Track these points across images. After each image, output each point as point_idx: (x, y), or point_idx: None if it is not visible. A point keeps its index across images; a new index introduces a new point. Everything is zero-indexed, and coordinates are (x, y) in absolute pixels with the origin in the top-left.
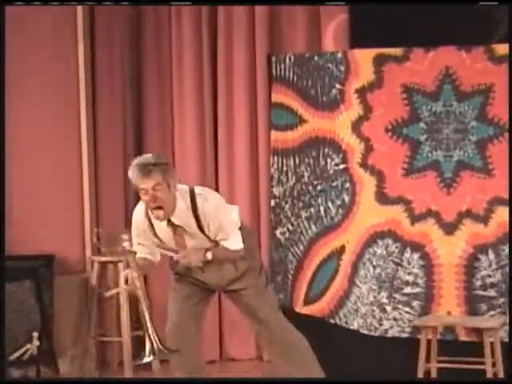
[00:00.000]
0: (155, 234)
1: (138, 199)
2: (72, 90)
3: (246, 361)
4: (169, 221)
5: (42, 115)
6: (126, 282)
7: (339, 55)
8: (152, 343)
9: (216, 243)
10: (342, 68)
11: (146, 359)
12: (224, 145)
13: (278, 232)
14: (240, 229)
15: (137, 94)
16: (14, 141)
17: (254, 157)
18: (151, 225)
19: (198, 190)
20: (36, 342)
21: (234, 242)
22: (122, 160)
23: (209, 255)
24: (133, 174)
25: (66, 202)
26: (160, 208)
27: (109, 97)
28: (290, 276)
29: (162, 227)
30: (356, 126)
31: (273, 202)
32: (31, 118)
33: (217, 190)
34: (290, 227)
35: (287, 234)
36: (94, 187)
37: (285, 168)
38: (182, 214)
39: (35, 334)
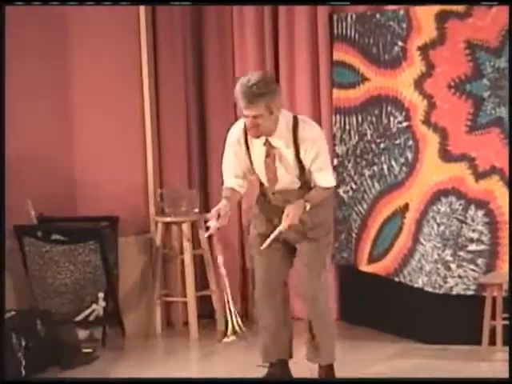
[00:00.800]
0: (249, 154)
1: (202, 159)
2: (134, 53)
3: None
4: (266, 140)
5: (106, 77)
6: (218, 217)
7: (401, 12)
8: (233, 324)
9: (303, 176)
10: (404, 25)
11: (228, 339)
12: (286, 104)
13: (341, 191)
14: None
15: (198, 51)
16: (79, 104)
17: (317, 116)
18: (246, 142)
19: (301, 117)
20: (102, 303)
21: (328, 177)
22: (185, 120)
23: (308, 205)
24: (237, 96)
25: (129, 163)
26: (259, 131)
27: (171, 57)
28: (353, 235)
29: (257, 147)
30: (418, 84)
31: (336, 161)
32: (95, 81)
33: None
34: (354, 186)
35: (350, 193)
36: (157, 148)
37: (347, 126)
38: (281, 136)
39: (101, 295)
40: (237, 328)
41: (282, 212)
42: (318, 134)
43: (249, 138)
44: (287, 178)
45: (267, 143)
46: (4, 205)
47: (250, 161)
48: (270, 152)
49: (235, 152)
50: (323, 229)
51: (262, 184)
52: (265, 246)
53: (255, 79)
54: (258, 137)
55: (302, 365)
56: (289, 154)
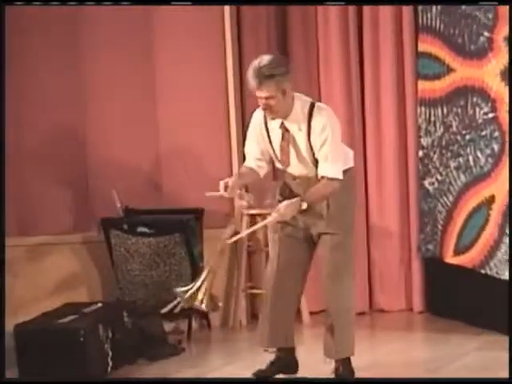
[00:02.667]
0: (268, 138)
1: None
2: (218, 50)
3: (395, 312)
4: (282, 124)
5: (189, 74)
6: (225, 188)
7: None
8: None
9: (314, 165)
10: (491, 15)
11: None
12: (371, 95)
13: (426, 182)
14: (347, 170)
15: (282, 45)
16: (164, 98)
17: (402, 107)
18: (266, 126)
19: (319, 103)
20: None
21: (332, 168)
22: None
23: (304, 205)
24: (248, 78)
25: (215, 156)
26: (273, 112)
27: (254, 47)
28: (439, 226)
29: (275, 129)
30: (505, 74)
31: (421, 153)
32: (180, 77)
33: (364, 140)
34: (439, 177)
35: (436, 185)
36: (241, 140)
37: (432, 118)
38: (296, 119)
39: None
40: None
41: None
42: (332, 122)
43: (268, 121)
44: (300, 162)
45: (282, 126)
46: (4, 204)
47: (270, 144)
48: (285, 135)
49: (256, 134)
50: (344, 225)
51: (285, 170)
52: (230, 241)
53: (266, 61)
54: (273, 118)
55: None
56: (301, 137)
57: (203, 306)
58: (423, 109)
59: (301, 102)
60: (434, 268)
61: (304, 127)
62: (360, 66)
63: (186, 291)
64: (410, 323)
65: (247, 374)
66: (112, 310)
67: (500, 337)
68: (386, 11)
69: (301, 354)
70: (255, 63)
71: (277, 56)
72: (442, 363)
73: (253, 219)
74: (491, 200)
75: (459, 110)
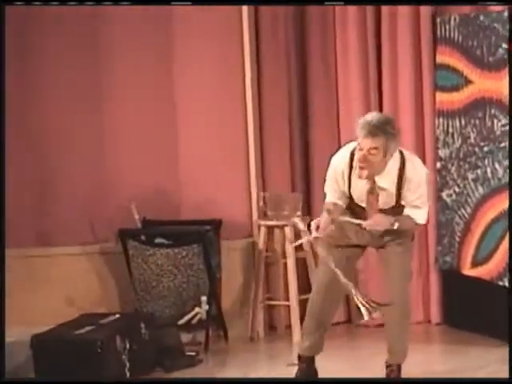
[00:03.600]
0: (349, 186)
1: (305, 162)
2: (236, 51)
3: (413, 324)
4: (371, 178)
5: (208, 82)
6: (317, 228)
7: (505, 14)
8: (364, 305)
9: (400, 208)
10: (509, 27)
11: (365, 318)
12: (389, 107)
13: (444, 194)
14: None
15: (300, 54)
16: (181, 107)
17: (420, 119)
18: (349, 176)
19: (409, 156)
20: (205, 306)
21: (422, 216)
22: (288, 122)
23: (396, 225)
24: (358, 127)
25: (232, 167)
26: (365, 169)
27: (273, 56)
28: (457, 238)
29: (360, 182)
30: None
31: (439, 164)
32: (198, 86)
33: None
34: (457, 189)
35: (454, 196)
36: (259, 151)
37: (450, 130)
38: (388, 177)
39: (204, 298)
40: (370, 308)
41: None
42: (424, 175)
43: (352, 171)
44: (386, 204)
45: (371, 181)
46: (4, 205)
47: (349, 192)
48: (374, 190)
49: (336, 180)
50: (407, 235)
51: (352, 199)
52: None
53: (378, 115)
54: (366, 178)
55: None
56: (391, 190)
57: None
58: (441, 120)
59: (393, 159)
60: (452, 280)
61: (395, 181)
62: (378, 77)
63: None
64: (428, 335)
65: None
66: (129, 321)
67: None
68: (404, 22)
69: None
70: (371, 116)
71: (393, 118)
72: (462, 375)
73: (270, 231)
74: (510, 212)
75: (477, 122)
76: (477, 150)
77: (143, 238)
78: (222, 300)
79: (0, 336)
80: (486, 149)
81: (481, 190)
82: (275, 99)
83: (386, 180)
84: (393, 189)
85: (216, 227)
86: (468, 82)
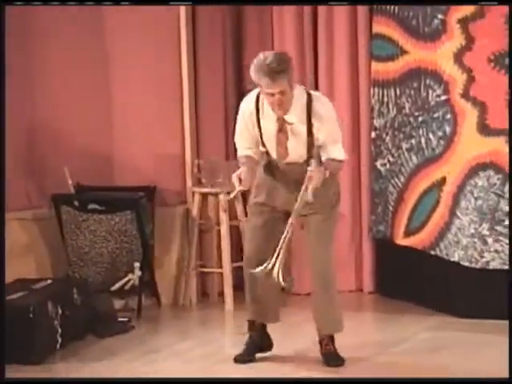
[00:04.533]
0: (259, 129)
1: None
2: (173, 30)
3: (345, 292)
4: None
5: (144, 50)
6: (240, 182)
7: None
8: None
9: (311, 150)
10: (509, 27)
11: (258, 270)
12: (324, 76)
13: (378, 163)
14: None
15: (237, 37)
16: (117, 75)
17: (355, 88)
18: (258, 117)
19: (315, 93)
20: (138, 273)
21: (340, 151)
22: (223, 90)
23: (327, 172)
24: (258, 76)
25: (167, 134)
26: (281, 109)
27: (209, 29)
28: (390, 208)
29: (269, 121)
30: (458, 57)
31: (373, 134)
32: (133, 52)
33: None
34: (391, 159)
35: (388, 166)
36: (194, 119)
37: (385, 99)
38: (296, 112)
39: (137, 265)
40: (274, 273)
41: (287, 184)
42: (332, 110)
43: (260, 112)
44: (297, 152)
45: (281, 118)
46: (4, 202)
47: (260, 134)
48: (283, 127)
49: (246, 125)
50: (329, 201)
51: (268, 154)
52: (293, 218)
53: (273, 57)
54: (285, 113)
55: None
56: (302, 128)
57: (281, 283)
58: (376, 90)
59: (298, 93)
60: (385, 249)
61: (304, 118)
62: (314, 46)
63: (265, 268)
64: (360, 304)
65: (196, 351)
66: (62, 286)
67: (450, 318)
68: None
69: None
70: (262, 61)
71: (279, 52)
72: (393, 343)
73: (204, 198)
74: (442, 182)
75: (412, 92)
76: (411, 119)
77: (76, 203)
78: (154, 267)
79: (0, 335)
80: (420, 119)
81: (414, 159)
82: (211, 69)
83: (295, 115)
84: (303, 128)
85: (150, 194)
86: (403, 51)
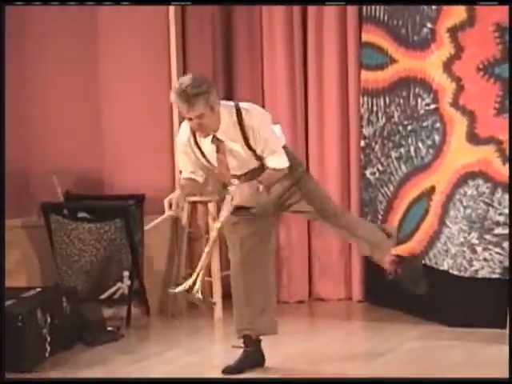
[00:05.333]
0: (200, 150)
1: None
2: (163, 46)
3: (335, 301)
4: (214, 136)
5: (132, 62)
6: (170, 207)
7: None
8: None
9: (257, 160)
10: (434, 7)
11: (179, 289)
12: (314, 85)
13: (367, 172)
14: (284, 147)
15: (226, 40)
16: (106, 90)
17: (344, 97)
18: (196, 141)
19: (243, 104)
20: (127, 281)
21: (281, 160)
22: None
23: (261, 187)
24: (176, 101)
25: (156, 142)
26: (203, 132)
27: (199, 42)
28: (379, 216)
29: (207, 145)
30: (447, 66)
31: (363, 143)
32: (121, 65)
33: (306, 129)
34: (380, 167)
35: (377, 175)
36: None
37: (375, 108)
38: (228, 130)
39: (126, 274)
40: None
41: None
42: (263, 119)
43: (198, 138)
44: (242, 165)
45: (215, 139)
46: (4, 203)
47: (204, 156)
48: (220, 147)
49: (185, 149)
50: (294, 170)
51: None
52: (149, 227)
53: (187, 81)
54: (207, 136)
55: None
56: (236, 146)
57: (199, 297)
58: (366, 99)
59: (227, 111)
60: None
61: (238, 135)
62: (304, 55)
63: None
64: (349, 312)
65: (186, 360)
66: (51, 294)
67: (438, 327)
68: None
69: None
70: (177, 86)
71: (196, 74)
72: (381, 352)
73: (194, 207)
74: (431, 191)
75: (401, 101)
76: (400, 128)
77: (66, 212)
78: (144, 275)
79: (0, 334)
80: (409, 128)
81: (404, 168)
82: None
83: (227, 133)
84: (237, 146)
85: (139, 202)
86: (393, 60)
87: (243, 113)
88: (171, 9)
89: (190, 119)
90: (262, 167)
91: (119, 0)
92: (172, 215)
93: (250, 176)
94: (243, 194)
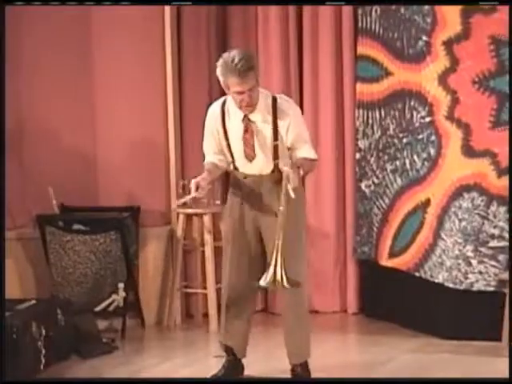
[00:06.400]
0: (225, 131)
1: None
2: (158, 45)
3: (330, 313)
4: (245, 116)
5: (127, 73)
6: (197, 189)
7: (426, 7)
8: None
9: (277, 157)
10: (429, 20)
11: (262, 283)
12: (309, 97)
13: (363, 185)
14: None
15: (222, 45)
16: (101, 96)
17: (340, 109)
18: (223, 121)
19: (280, 95)
20: (122, 293)
21: (312, 151)
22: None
23: (300, 170)
24: (226, 76)
25: (151, 154)
26: (249, 106)
27: (194, 41)
28: (374, 229)
29: (234, 124)
30: (442, 79)
31: (358, 155)
32: (116, 76)
33: None
34: (376, 180)
35: (372, 187)
36: (179, 139)
37: (370, 121)
38: (261, 112)
39: (121, 286)
40: (278, 278)
41: (255, 197)
42: (298, 110)
43: (226, 116)
44: (263, 155)
45: (246, 118)
46: (4, 204)
47: (227, 140)
48: (249, 127)
49: (212, 131)
50: (295, 219)
51: (236, 168)
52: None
53: (240, 55)
54: (253, 111)
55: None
56: (267, 128)
57: (286, 285)
58: (361, 111)
59: (263, 94)
60: (369, 270)
61: (270, 118)
62: (299, 68)
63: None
64: (344, 325)
65: (182, 372)
66: (46, 307)
67: (433, 340)
68: (326, 13)
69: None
70: (228, 60)
71: (244, 50)
72: (377, 365)
73: (189, 219)
74: (427, 204)
75: (396, 114)
76: (396, 141)
77: (61, 224)
78: (139, 287)
79: (0, 334)
80: (404, 140)
81: (399, 181)
82: (196, 92)
83: (260, 114)
84: (267, 128)
85: (134, 214)
86: (388, 73)
87: (278, 99)
88: (167, 8)
89: (241, 93)
90: (273, 174)
91: (120, 0)
92: (197, 196)
93: (257, 182)
94: (297, 178)
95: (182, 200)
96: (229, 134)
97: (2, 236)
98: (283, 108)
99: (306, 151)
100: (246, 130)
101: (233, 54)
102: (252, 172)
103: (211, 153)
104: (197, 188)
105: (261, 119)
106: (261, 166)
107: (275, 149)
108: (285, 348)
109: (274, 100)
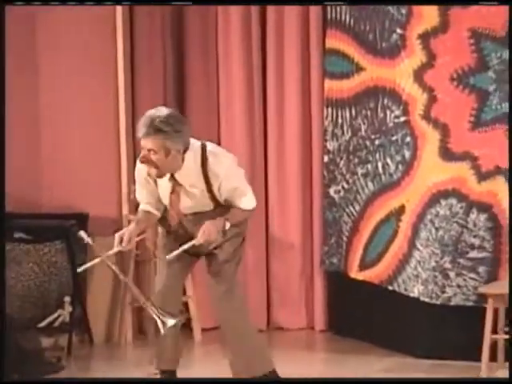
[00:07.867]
0: (155, 182)
1: None
2: (110, 45)
3: (295, 330)
4: (172, 176)
5: (76, 75)
6: (121, 242)
7: None
8: (159, 317)
9: (213, 202)
10: (404, 11)
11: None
12: (273, 95)
13: (331, 190)
14: None
15: (178, 43)
16: (46, 97)
17: (306, 108)
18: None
19: (210, 147)
20: (68, 308)
21: (249, 200)
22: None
23: (227, 224)
24: (138, 125)
25: (101, 159)
26: (151, 168)
27: (147, 52)
28: (344, 238)
29: (164, 182)
30: (418, 75)
31: (326, 158)
32: (66, 78)
33: (265, 143)
34: (345, 185)
35: (342, 193)
36: (131, 143)
37: (340, 120)
38: (189, 173)
39: (67, 299)
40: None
41: (192, 235)
42: (231, 166)
43: None
44: (194, 207)
45: (172, 179)
46: (4, 204)
47: (156, 188)
48: (175, 188)
49: (144, 184)
50: (237, 240)
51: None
52: (171, 256)
53: (162, 114)
54: (157, 176)
55: None
56: (197, 190)
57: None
58: (330, 110)
59: (192, 155)
60: (338, 283)
61: (200, 181)
62: (263, 62)
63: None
64: (311, 343)
65: None
66: None
67: (407, 359)
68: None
69: (195, 372)
70: (151, 112)
71: (176, 114)
72: None
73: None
74: (400, 211)
75: (369, 113)
76: (368, 143)
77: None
78: (87, 301)
79: (0, 336)
80: (377, 142)
81: (371, 186)
82: (150, 94)
83: (187, 177)
84: (201, 186)
85: (82, 222)
86: (359, 68)
87: (209, 159)
88: (118, 8)
89: (142, 149)
90: (215, 210)
91: (119, 0)
92: (122, 250)
93: (197, 218)
94: (211, 233)
95: (90, 263)
96: (159, 188)
97: (2, 236)
98: (212, 167)
99: (240, 203)
100: (172, 191)
101: (159, 110)
102: (191, 212)
103: (144, 201)
104: (121, 241)
105: (190, 182)
106: (192, 210)
107: (212, 200)
108: None
109: (204, 159)
